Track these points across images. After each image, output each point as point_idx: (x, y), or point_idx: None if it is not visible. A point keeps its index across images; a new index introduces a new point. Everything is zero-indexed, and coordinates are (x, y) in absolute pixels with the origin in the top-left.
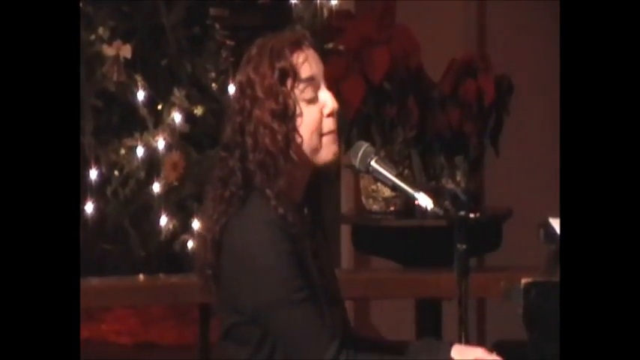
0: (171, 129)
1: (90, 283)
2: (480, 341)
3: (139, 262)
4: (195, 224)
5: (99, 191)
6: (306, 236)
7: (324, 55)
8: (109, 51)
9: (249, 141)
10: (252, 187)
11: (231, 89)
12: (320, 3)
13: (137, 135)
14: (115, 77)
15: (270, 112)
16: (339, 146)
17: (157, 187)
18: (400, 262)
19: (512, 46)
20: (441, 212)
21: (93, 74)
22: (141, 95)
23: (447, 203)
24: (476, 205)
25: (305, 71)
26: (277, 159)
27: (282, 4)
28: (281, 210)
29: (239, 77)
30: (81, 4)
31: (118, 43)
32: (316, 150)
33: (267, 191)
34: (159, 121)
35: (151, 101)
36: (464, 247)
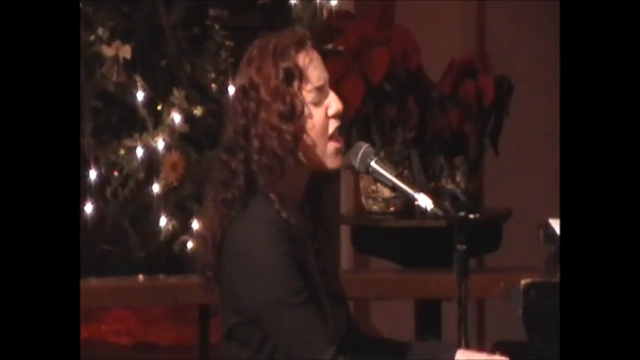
0: (171, 129)
1: (89, 283)
2: (479, 342)
3: (138, 262)
4: (195, 225)
5: (98, 192)
6: (308, 236)
7: (324, 56)
8: (108, 51)
9: (255, 143)
10: (254, 189)
11: (231, 90)
12: (319, 3)
13: (136, 135)
14: (114, 78)
15: (277, 113)
16: (343, 153)
17: (156, 188)
18: (400, 263)
19: (511, 47)
20: (440, 213)
21: (92, 75)
22: (140, 96)
23: (446, 204)
24: (475, 206)
25: (312, 74)
26: (284, 161)
27: (282, 5)
28: (284, 213)
29: (241, 79)
30: (80, 5)
31: (117, 43)
32: (323, 154)
33: (271, 194)
34: (158, 121)
35: (150, 102)
36: (463, 247)
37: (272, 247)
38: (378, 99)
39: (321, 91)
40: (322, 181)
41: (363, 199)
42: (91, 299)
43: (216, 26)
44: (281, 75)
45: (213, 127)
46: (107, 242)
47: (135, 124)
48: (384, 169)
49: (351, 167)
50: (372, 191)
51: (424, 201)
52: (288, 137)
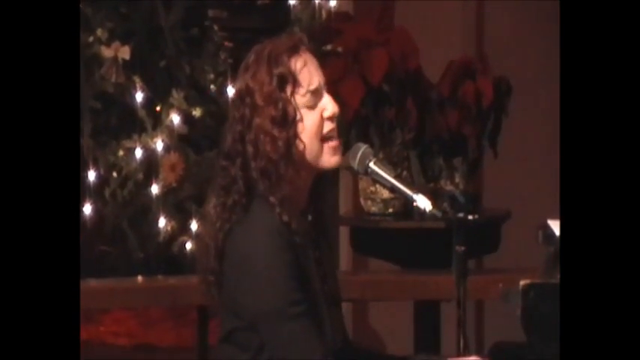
0: (170, 130)
1: (88, 284)
2: (478, 343)
3: (137, 263)
4: (194, 226)
5: (97, 193)
6: (310, 243)
7: (323, 57)
8: (107, 52)
9: (250, 149)
10: (254, 194)
11: (230, 91)
12: (318, 4)
13: (135, 136)
14: (113, 79)
15: (270, 119)
16: (341, 153)
17: (155, 189)
18: (399, 264)
19: (510, 48)
20: (439, 214)
21: (91, 76)
22: (139, 97)
23: (445, 205)
24: (474, 207)
25: (305, 78)
26: (279, 165)
27: (281, 6)
28: (285, 217)
29: (238, 85)
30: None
31: (116, 44)
32: (318, 155)
33: (271, 198)
34: (157, 122)
35: (149, 103)
36: (462, 248)
37: (274, 257)
38: (376, 100)
39: (315, 94)
40: (326, 187)
41: (362, 200)
42: (89, 300)
43: (215, 27)
44: (274, 81)
45: (212, 128)
46: (106, 243)
47: (134, 125)
48: (382, 170)
49: (349, 168)
50: (371, 192)
51: (423, 202)
52: (281, 142)
